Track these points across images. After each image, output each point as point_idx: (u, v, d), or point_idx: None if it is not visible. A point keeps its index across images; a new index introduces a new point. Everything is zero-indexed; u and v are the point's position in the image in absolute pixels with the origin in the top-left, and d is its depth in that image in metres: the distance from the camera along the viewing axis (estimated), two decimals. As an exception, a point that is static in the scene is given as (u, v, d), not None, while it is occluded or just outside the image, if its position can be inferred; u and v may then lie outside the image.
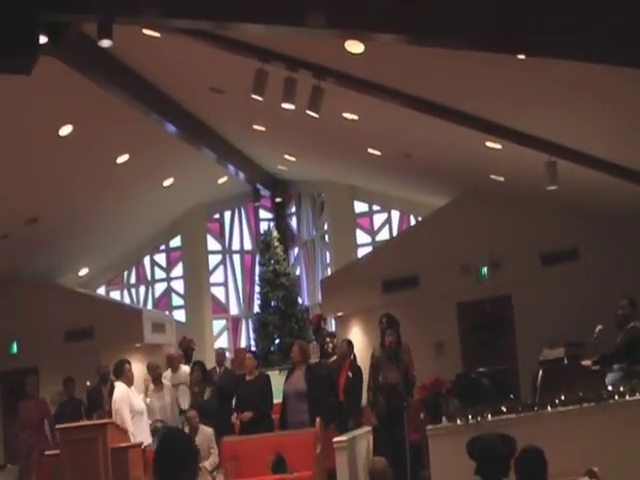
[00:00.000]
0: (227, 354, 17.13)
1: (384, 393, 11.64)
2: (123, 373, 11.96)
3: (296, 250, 21.51)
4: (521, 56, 8.25)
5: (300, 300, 20.41)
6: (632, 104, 9.54)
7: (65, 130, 13.27)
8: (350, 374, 13.03)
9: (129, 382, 12.02)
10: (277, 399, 13.25)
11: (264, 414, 12.99)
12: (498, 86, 10.15)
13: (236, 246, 21.82)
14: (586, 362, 11.03)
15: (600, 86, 9.18)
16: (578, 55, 7.42)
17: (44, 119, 12.74)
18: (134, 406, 11.75)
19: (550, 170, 11.66)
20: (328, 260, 20.45)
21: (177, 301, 21.30)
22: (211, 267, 21.42)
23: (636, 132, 10.26)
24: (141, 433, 11.66)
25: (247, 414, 12.82)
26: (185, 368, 14.41)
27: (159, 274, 21.54)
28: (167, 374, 14.32)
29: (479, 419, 10.12)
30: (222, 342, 20.95)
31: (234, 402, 13.39)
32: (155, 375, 13.83)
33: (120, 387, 11.83)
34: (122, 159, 15.21)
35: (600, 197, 13.83)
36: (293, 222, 21.60)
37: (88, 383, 15.54)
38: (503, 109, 10.97)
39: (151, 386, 13.82)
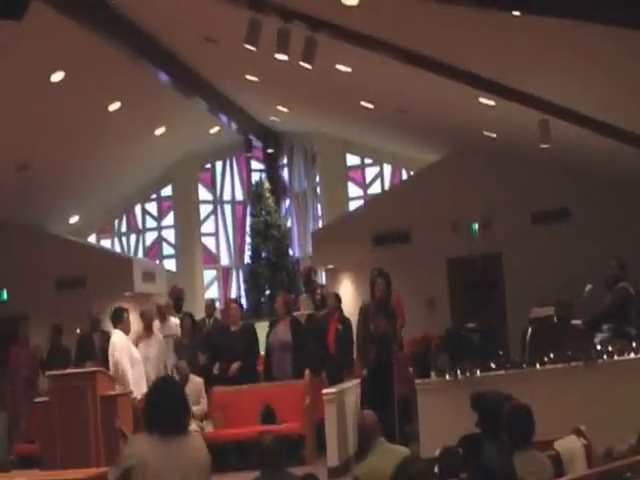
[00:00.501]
0: (217, 305, 17.12)
1: (374, 342, 11.58)
2: (121, 321, 11.82)
3: (287, 202, 21.49)
4: (516, 13, 8.19)
5: (291, 252, 20.43)
6: (625, 65, 9.50)
7: (57, 77, 13.15)
8: (340, 326, 13.04)
9: (127, 330, 11.92)
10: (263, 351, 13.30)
11: (251, 364, 13.01)
12: (494, 43, 10.09)
13: (227, 196, 21.79)
14: (576, 322, 11.06)
15: (594, 46, 9.16)
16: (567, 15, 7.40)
17: (36, 66, 12.62)
18: (133, 355, 11.68)
19: (543, 128, 11.63)
20: (319, 213, 20.45)
21: (168, 250, 21.31)
22: (202, 217, 21.40)
23: (629, 93, 10.24)
24: (139, 383, 11.61)
25: (235, 365, 12.82)
26: (174, 320, 14.33)
27: (150, 223, 21.52)
28: (156, 324, 14.26)
29: (468, 375, 10.16)
30: (212, 292, 21.01)
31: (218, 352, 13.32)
32: (148, 321, 13.59)
33: (119, 335, 11.66)
34: (114, 107, 15.10)
35: (593, 157, 13.83)
36: (285, 174, 21.57)
37: (78, 330, 15.55)
38: (498, 66, 10.90)
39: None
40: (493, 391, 6.87)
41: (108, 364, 13.85)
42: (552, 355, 10.09)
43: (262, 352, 13.35)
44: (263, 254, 19.75)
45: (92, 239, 21.23)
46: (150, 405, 5.42)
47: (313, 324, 13.51)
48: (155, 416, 5.35)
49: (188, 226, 20.95)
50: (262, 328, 13.89)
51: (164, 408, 5.33)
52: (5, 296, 17.86)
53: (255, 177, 21.29)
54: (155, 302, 15.09)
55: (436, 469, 5.79)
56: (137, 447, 5.30)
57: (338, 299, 13.56)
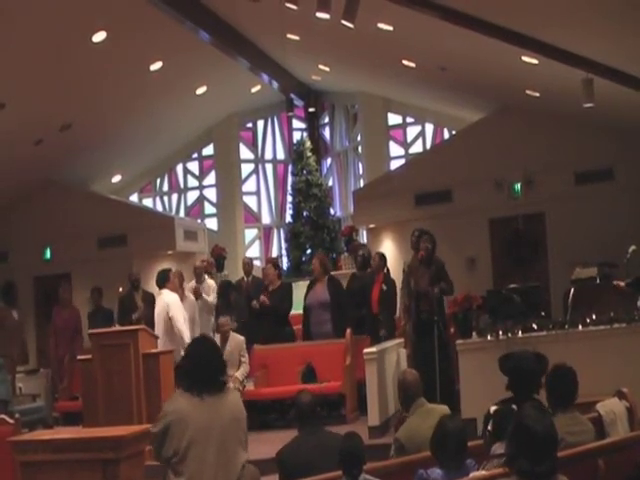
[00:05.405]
0: (256, 263, 17.16)
1: (416, 299, 11.33)
2: (168, 281, 11.86)
3: (329, 161, 21.48)
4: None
5: (332, 211, 20.44)
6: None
7: (99, 36, 13.16)
8: (384, 287, 12.97)
9: (175, 289, 11.96)
10: (300, 310, 13.35)
11: (282, 314, 13.15)
12: (537, 1, 9.96)
13: (269, 155, 21.80)
14: (619, 282, 10.95)
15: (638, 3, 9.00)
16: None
17: (78, 26, 12.64)
18: (184, 313, 11.74)
19: (586, 87, 11.50)
20: (361, 172, 20.40)
21: (209, 209, 21.39)
22: (244, 176, 21.44)
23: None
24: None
25: (263, 298, 12.97)
26: (209, 282, 14.46)
27: (192, 182, 21.60)
28: (192, 284, 14.36)
29: (509, 335, 10.09)
30: (254, 251, 21.09)
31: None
32: (198, 274, 14.18)
33: (171, 294, 11.71)
34: (155, 66, 15.12)
35: (637, 117, 13.63)
36: (326, 132, 21.54)
37: (120, 289, 15.67)
38: (541, 24, 10.76)
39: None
40: (518, 351, 6.79)
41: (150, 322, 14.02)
42: (594, 316, 10.01)
43: (299, 311, 13.39)
44: (304, 213, 19.78)
45: (134, 198, 21.35)
46: (188, 364, 5.55)
47: (356, 284, 13.47)
48: (193, 375, 5.48)
49: (229, 185, 20.99)
50: (303, 287, 13.92)
51: (202, 367, 5.46)
52: (49, 254, 18.00)
53: (296, 136, 21.28)
54: (195, 262, 15.20)
55: (490, 427, 5.74)
56: (176, 404, 5.47)
57: (383, 259, 13.45)
